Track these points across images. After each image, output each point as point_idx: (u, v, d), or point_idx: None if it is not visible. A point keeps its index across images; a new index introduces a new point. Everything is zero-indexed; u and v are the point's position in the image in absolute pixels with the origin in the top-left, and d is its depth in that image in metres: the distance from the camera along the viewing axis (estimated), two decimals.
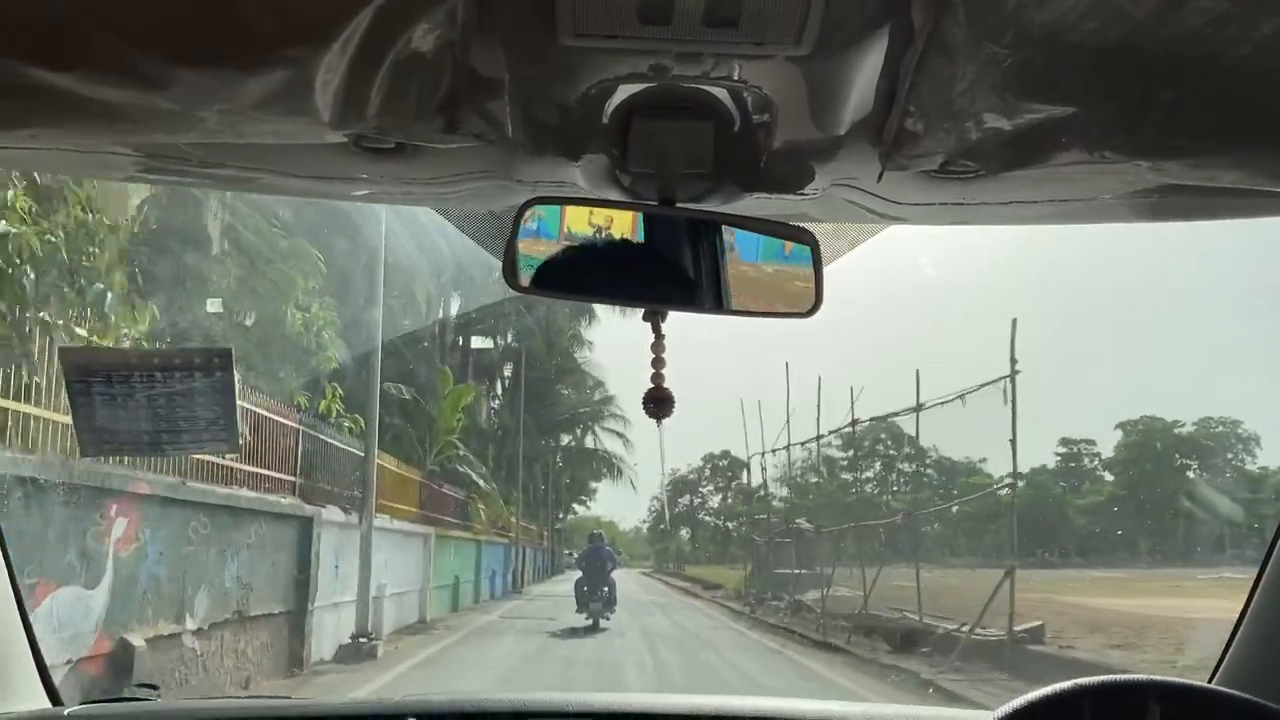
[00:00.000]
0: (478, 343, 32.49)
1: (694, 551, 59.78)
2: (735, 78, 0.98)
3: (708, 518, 63.23)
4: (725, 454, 59.79)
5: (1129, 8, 0.79)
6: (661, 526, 65.43)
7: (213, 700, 2.02)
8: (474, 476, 24.23)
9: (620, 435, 41.90)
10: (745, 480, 61.35)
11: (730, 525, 57.84)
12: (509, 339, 33.67)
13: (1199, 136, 0.94)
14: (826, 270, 1.18)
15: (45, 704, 1.60)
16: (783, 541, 22.04)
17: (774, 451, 22.28)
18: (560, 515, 50.86)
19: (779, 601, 20.12)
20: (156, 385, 1.47)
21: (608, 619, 17.07)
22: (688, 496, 64.79)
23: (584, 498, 51.63)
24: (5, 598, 1.54)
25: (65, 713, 1.55)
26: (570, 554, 42.10)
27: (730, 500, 57.70)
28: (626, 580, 35.92)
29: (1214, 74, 0.86)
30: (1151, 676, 1.05)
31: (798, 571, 19.80)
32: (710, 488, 63.27)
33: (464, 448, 24.19)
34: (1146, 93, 0.89)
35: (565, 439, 43.96)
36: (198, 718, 1.67)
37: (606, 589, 17.21)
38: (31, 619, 1.61)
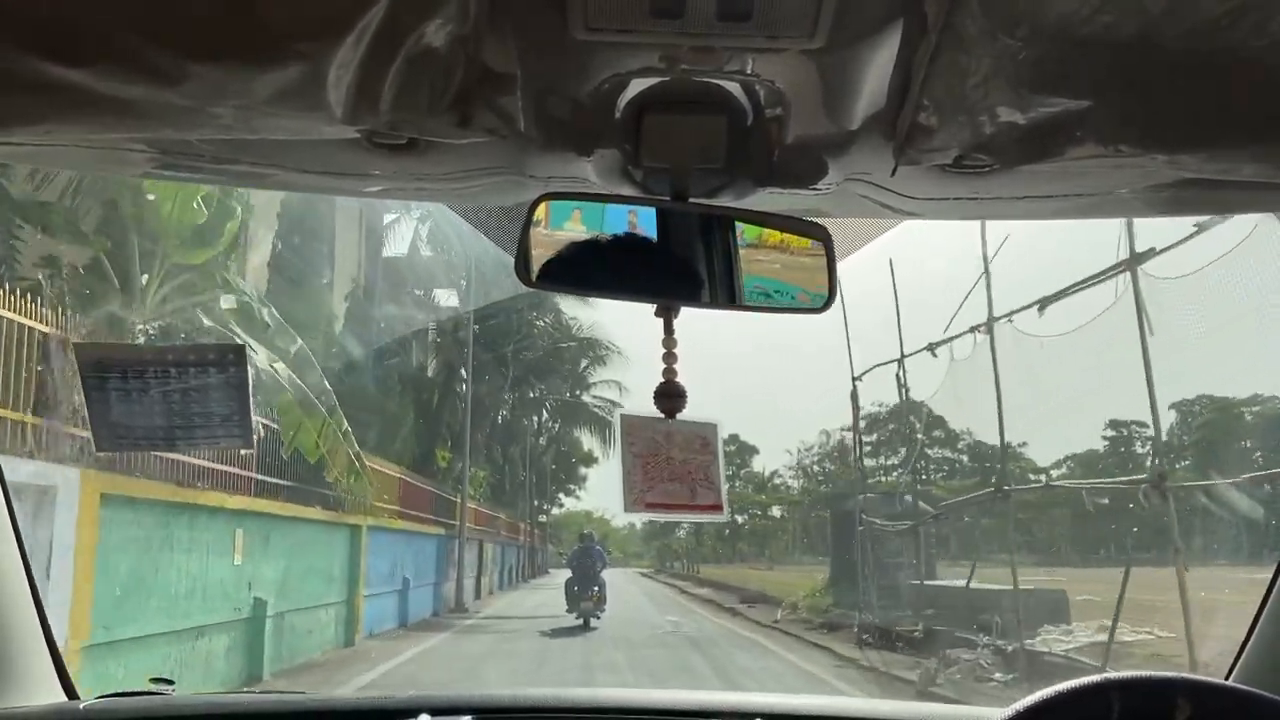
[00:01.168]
0: (441, 295, 24.53)
1: (698, 548, 55.68)
2: (748, 72, 0.97)
3: None
4: (733, 439, 54.99)
5: (1145, 0, 0.79)
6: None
7: (228, 695, 2.03)
8: (274, 368, 10.90)
9: (616, 404, 35.93)
10: (756, 468, 56.00)
11: (740, 519, 54.59)
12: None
13: (1216, 129, 0.93)
14: (840, 265, 1.18)
15: (61, 697, 1.61)
16: (900, 530, 13.23)
17: (944, 349, 11.75)
18: (543, 505, 44.96)
19: (968, 650, 10.38)
20: (170, 380, 1.48)
21: (598, 618, 16.97)
22: None
23: (572, 486, 46.29)
24: (21, 592, 1.55)
25: (81, 706, 1.56)
26: (562, 553, 37.87)
27: (738, 488, 54.62)
28: (626, 585, 28.49)
29: (1231, 66, 0.85)
30: (1181, 674, 1.04)
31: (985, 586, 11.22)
32: None
33: (242, 280, 11.75)
34: (1163, 86, 0.88)
35: (549, 414, 38.64)
36: (213, 712, 1.68)
37: (596, 588, 17.18)
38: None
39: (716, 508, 1.27)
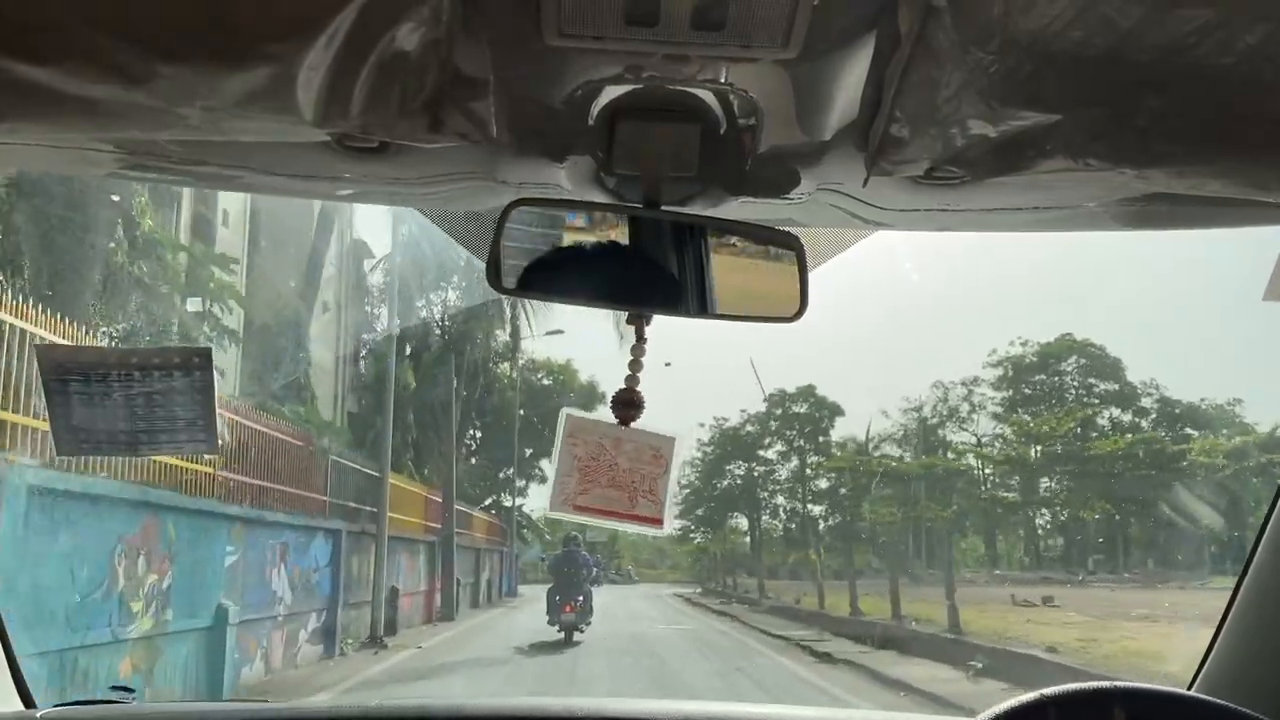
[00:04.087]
0: None
1: (750, 555, 37.29)
2: (721, 80, 0.97)
3: (779, 498, 39.59)
4: (807, 393, 37.86)
5: (1115, 16, 0.80)
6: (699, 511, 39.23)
7: (190, 704, 2.00)
8: None
9: None
10: (844, 432, 35.69)
11: (818, 510, 37.26)
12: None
13: (1184, 145, 0.94)
14: (811, 275, 1.18)
15: (18, 706, 1.58)
16: None
17: None
18: (510, 476, 28.64)
19: None
20: (134, 384, 1.45)
21: (582, 630, 15.25)
22: (739, 463, 39.55)
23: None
24: None
25: (39, 715, 1.53)
26: (543, 558, 25.74)
27: (813, 464, 37.65)
28: (697, 655, 14.79)
29: (1199, 82, 0.86)
30: (1115, 683, 1.07)
31: None
32: (780, 447, 39.05)
33: None
34: (1132, 101, 0.89)
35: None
36: None
37: (581, 598, 15.35)
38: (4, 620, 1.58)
39: (656, 520, 1.26)
